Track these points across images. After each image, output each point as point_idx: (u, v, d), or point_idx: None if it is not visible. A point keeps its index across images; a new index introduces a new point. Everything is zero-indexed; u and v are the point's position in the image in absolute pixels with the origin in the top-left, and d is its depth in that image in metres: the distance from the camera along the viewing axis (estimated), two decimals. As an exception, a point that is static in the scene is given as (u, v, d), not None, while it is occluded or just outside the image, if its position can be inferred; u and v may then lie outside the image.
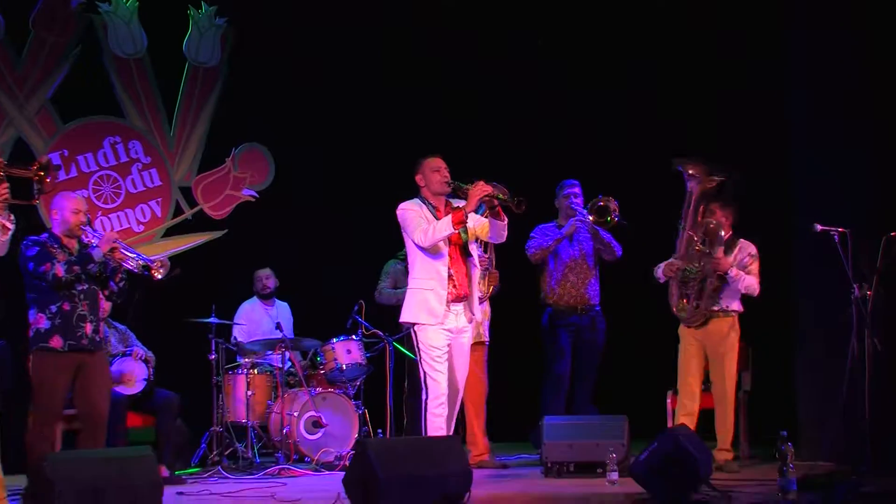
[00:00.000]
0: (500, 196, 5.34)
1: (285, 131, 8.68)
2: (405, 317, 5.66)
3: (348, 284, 7.80)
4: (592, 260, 7.39)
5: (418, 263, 5.58)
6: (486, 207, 5.44)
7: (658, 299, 6.95)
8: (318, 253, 8.54)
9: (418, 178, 5.68)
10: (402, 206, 5.59)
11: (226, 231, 8.70)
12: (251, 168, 8.79)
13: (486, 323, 7.00)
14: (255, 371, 7.45)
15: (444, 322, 5.54)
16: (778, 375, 7.53)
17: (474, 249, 5.65)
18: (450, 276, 5.55)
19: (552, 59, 8.68)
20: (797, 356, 7.30)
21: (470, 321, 5.68)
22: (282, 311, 8.20)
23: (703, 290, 6.68)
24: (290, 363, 7.51)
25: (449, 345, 5.59)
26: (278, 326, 7.48)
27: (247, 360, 7.53)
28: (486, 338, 6.99)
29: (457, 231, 5.45)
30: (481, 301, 6.40)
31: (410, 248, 5.63)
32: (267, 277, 8.06)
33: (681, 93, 8.45)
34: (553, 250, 7.23)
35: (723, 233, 6.61)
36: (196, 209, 8.66)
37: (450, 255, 5.53)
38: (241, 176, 8.77)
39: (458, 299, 5.60)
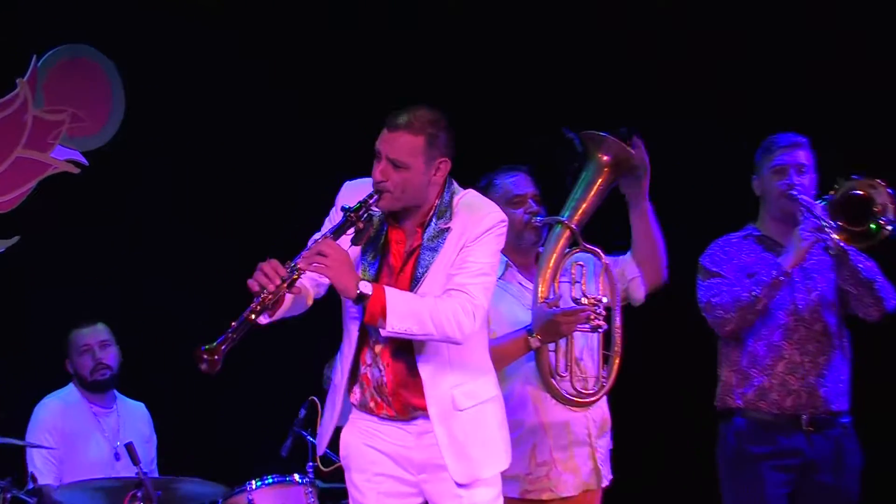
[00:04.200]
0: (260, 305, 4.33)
1: (147, 24, 7.20)
2: None
3: (282, 358, 6.75)
4: (836, 314, 5.76)
5: None
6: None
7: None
8: (218, 291, 6.44)
9: None
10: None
11: (16, 239, 7.19)
12: (73, 100, 7.27)
13: (606, 446, 5.35)
14: (78, 549, 6.63)
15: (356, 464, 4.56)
16: None
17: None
18: (358, 374, 4.57)
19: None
20: None
21: (463, 481, 4.43)
22: (130, 417, 6.66)
23: None
24: (153, 534, 6.60)
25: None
26: (130, 452, 5.90)
27: (58, 523, 6.53)
28: (605, 476, 5.35)
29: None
30: (587, 398, 5.13)
31: None
32: (103, 344, 6.45)
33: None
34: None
35: None
36: (-46, 190, 7.64)
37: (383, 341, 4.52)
38: (51, 117, 7.28)
39: (394, 419, 4.54)
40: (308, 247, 4.47)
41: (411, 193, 4.44)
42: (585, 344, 5.01)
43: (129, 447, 5.95)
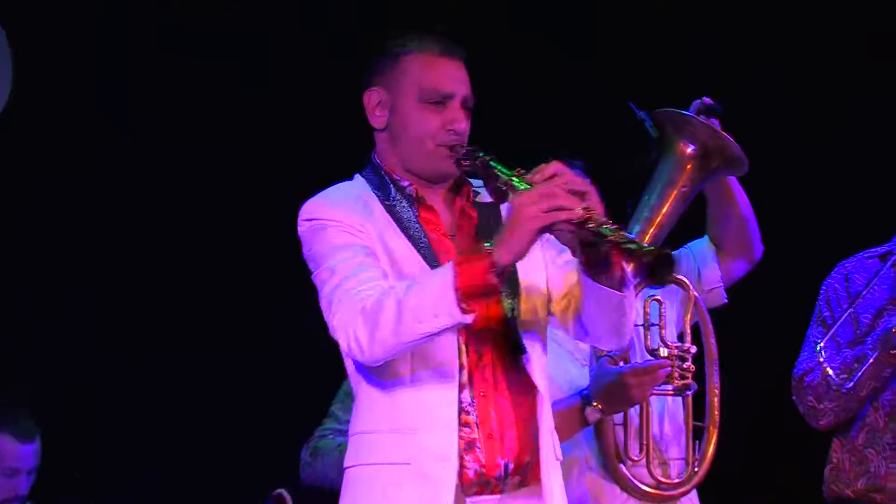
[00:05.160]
0: (605, 229, 3.39)
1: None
2: None
3: (241, 436, 5.96)
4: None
5: (362, 391, 3.65)
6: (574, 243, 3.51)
7: None
8: (166, 331, 6.01)
9: (372, 107, 3.75)
10: (307, 208, 3.71)
11: None
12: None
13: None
14: None
15: None
16: None
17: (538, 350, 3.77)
18: (464, 421, 3.62)
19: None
20: None
21: None
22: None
23: None
24: None
25: None
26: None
27: None
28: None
29: (466, 319, 3.43)
30: (671, 490, 4.36)
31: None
32: (31, 472, 5.49)
33: None
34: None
35: None
36: None
37: (471, 359, 3.61)
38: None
39: (486, 481, 3.58)
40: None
41: None
42: (666, 413, 4.33)
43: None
